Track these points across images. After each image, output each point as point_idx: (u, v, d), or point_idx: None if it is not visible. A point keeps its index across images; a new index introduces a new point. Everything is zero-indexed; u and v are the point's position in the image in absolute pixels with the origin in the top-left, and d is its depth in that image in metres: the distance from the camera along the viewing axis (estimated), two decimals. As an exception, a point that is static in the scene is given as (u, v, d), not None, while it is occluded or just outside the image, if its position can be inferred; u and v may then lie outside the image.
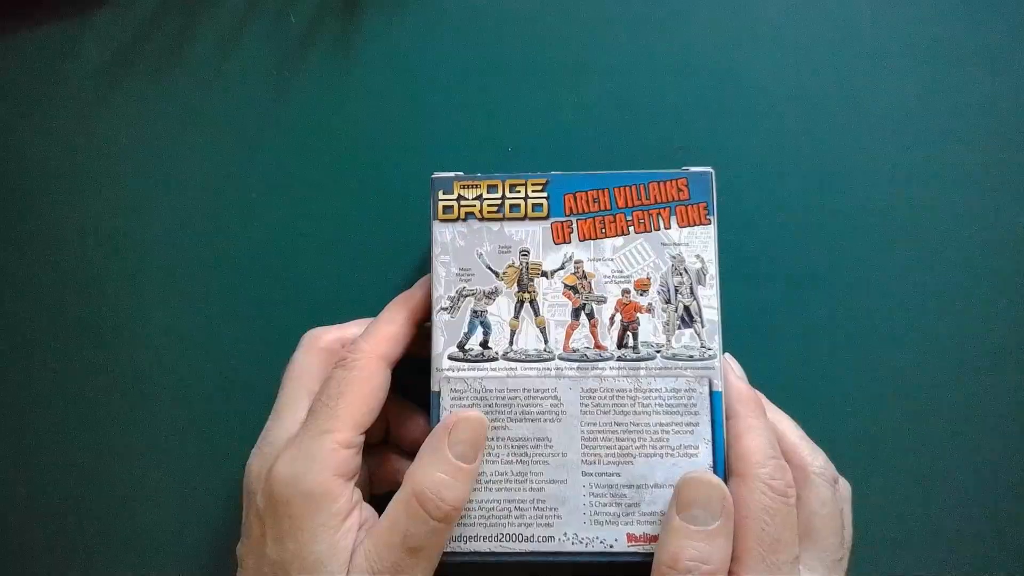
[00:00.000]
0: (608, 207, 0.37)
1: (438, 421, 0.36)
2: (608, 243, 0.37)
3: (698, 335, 0.36)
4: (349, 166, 0.46)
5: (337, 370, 0.36)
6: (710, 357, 0.36)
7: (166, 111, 0.46)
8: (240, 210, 0.46)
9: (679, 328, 0.36)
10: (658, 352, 0.36)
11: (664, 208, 0.37)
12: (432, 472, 0.34)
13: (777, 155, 0.45)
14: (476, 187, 0.38)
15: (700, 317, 0.36)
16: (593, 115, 0.45)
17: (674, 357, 0.36)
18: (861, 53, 0.45)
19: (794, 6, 0.45)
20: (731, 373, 0.37)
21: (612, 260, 0.37)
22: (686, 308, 0.37)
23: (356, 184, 0.46)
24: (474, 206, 0.37)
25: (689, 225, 0.37)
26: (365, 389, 0.36)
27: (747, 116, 0.45)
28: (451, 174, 0.38)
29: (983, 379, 0.43)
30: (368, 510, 0.35)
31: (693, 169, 0.37)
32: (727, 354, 0.38)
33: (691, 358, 0.36)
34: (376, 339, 0.37)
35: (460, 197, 0.38)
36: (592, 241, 0.37)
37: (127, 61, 0.47)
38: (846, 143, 0.45)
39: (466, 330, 0.37)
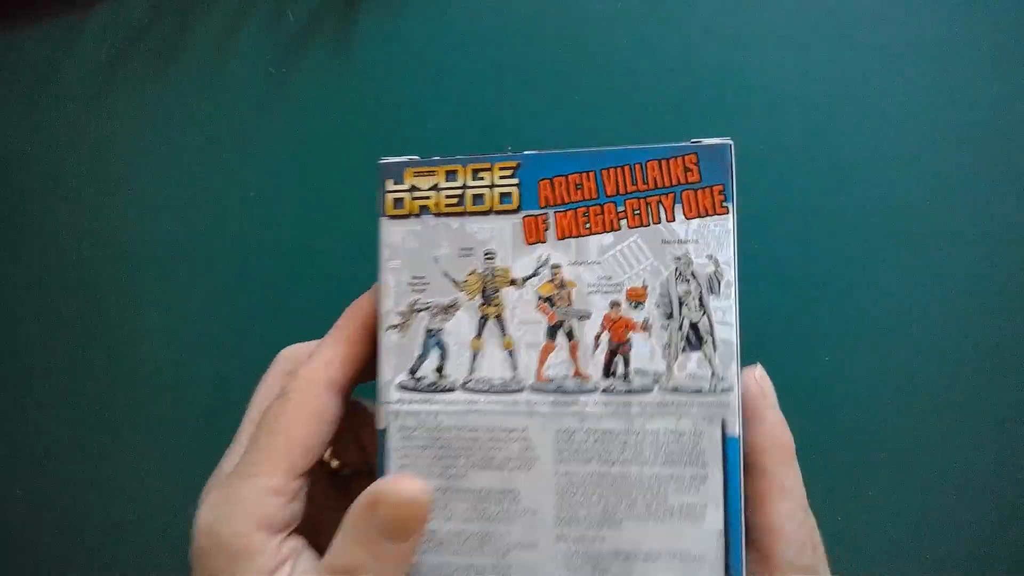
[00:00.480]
0: (594, 195, 0.29)
1: (385, 467, 0.29)
2: (594, 242, 0.29)
3: (708, 360, 0.28)
4: (348, 165, 0.45)
5: (275, 401, 0.30)
6: (724, 390, 0.27)
7: (162, 110, 0.46)
8: (237, 208, 0.45)
9: (684, 351, 0.28)
10: (656, 383, 0.28)
11: (667, 194, 0.28)
12: (349, 552, 0.27)
13: (779, 152, 0.42)
14: (432, 174, 0.30)
15: (712, 337, 0.28)
16: (596, 113, 0.43)
17: (676, 390, 0.28)
18: (865, 50, 0.43)
19: (797, 4, 0.44)
20: (764, 404, 0.28)
21: (599, 264, 0.29)
22: (693, 325, 0.28)
23: (355, 182, 0.44)
24: (429, 198, 0.30)
25: (699, 216, 0.28)
26: (301, 425, 0.29)
27: (749, 114, 0.43)
28: (403, 159, 0.31)
29: (985, 379, 0.42)
30: (306, 564, 0.29)
31: (706, 141, 0.28)
32: (757, 367, 0.29)
33: (699, 391, 0.28)
34: (318, 363, 0.30)
35: (413, 188, 0.30)
36: (573, 239, 0.29)
37: (123, 60, 0.46)
38: (850, 141, 0.42)
39: (419, 353, 0.30)
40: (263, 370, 0.41)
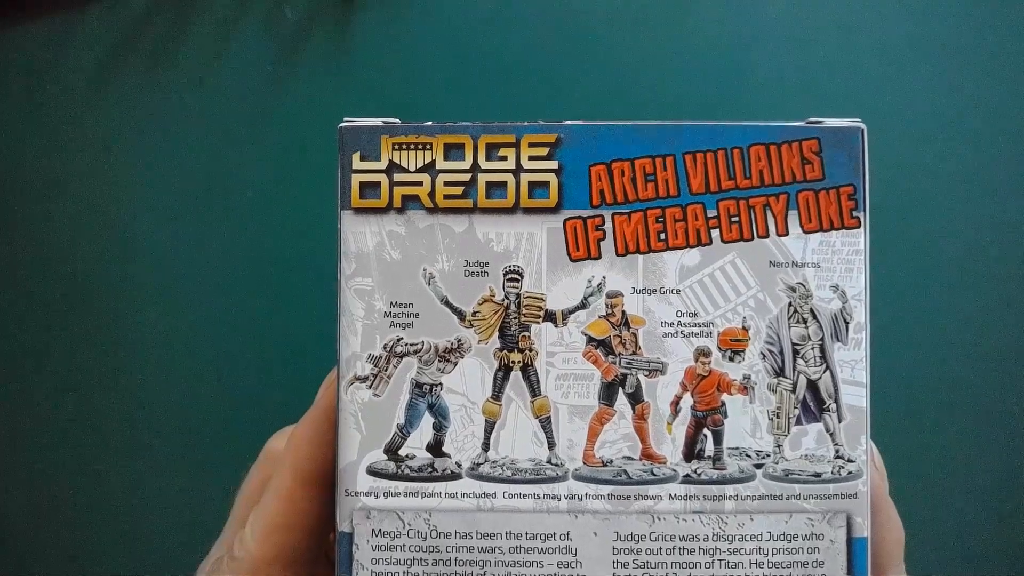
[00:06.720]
0: (674, 191, 0.20)
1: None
2: (672, 260, 0.20)
3: (831, 435, 0.20)
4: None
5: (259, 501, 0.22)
6: (851, 476, 0.20)
7: (159, 107, 0.45)
8: (235, 207, 0.45)
9: (799, 423, 0.20)
10: (759, 467, 0.20)
11: (777, 195, 0.20)
12: None
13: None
14: (424, 148, 0.20)
15: (836, 402, 0.20)
16: (605, 112, 0.43)
17: (788, 476, 0.20)
18: (866, 50, 0.43)
19: (799, 4, 0.44)
20: (883, 490, 0.21)
21: (680, 293, 0.20)
22: (812, 385, 0.20)
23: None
24: (420, 184, 0.20)
25: (821, 229, 0.20)
26: (283, 532, 0.21)
27: (750, 113, 0.42)
28: (376, 121, 0.20)
29: (986, 380, 0.42)
30: None
31: (830, 123, 0.20)
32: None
33: (818, 477, 0.20)
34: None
35: (393, 166, 0.20)
36: (642, 256, 0.20)
37: (120, 57, 0.46)
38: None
39: (402, 420, 0.20)
40: (262, 371, 0.43)
